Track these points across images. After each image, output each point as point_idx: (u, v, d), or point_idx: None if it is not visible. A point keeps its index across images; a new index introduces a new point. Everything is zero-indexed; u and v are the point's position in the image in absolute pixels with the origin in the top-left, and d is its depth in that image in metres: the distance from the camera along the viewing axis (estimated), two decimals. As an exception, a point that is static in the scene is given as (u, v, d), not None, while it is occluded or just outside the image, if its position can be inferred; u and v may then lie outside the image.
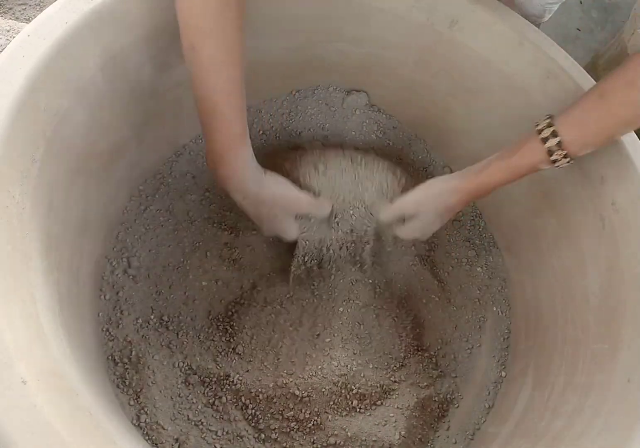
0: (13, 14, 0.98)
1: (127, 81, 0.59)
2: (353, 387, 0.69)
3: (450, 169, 0.85)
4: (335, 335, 0.72)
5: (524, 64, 0.65)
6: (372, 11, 0.68)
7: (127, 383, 0.62)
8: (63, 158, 0.52)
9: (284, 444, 0.65)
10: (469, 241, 0.82)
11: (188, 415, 0.63)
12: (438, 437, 0.70)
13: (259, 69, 0.72)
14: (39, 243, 0.46)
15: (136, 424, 0.60)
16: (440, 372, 0.74)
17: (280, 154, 0.77)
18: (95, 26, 0.52)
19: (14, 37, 0.76)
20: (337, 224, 0.70)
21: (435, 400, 0.71)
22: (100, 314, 0.64)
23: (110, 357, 0.63)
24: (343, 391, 0.69)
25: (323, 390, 0.68)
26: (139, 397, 0.62)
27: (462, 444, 0.69)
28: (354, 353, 0.71)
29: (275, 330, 0.71)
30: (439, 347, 0.75)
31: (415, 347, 0.75)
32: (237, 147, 0.59)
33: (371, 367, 0.71)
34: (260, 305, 0.72)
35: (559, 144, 0.55)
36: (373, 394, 0.69)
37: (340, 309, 0.74)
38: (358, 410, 0.68)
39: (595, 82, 0.61)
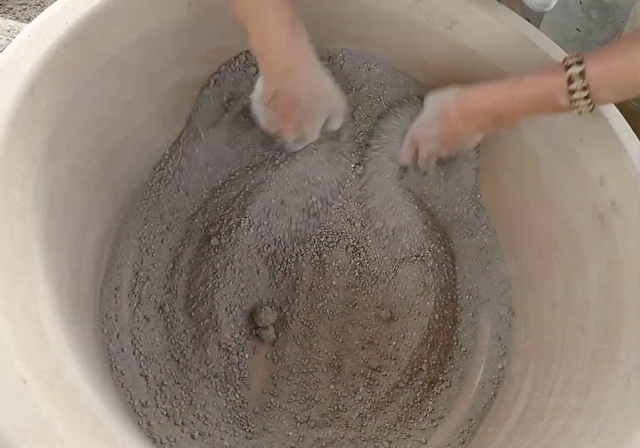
0: (13, 14, 0.98)
1: (127, 81, 0.59)
2: None
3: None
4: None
5: (524, 64, 0.65)
6: (371, 11, 0.68)
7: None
8: (63, 158, 0.52)
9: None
10: (469, 241, 0.82)
11: (190, 413, 0.64)
12: (439, 435, 0.70)
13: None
14: (40, 244, 0.46)
15: (137, 423, 0.60)
16: (441, 368, 0.74)
17: None
18: (95, 26, 0.53)
19: (14, 37, 0.76)
20: None
21: (435, 399, 0.72)
22: (100, 314, 0.64)
23: (111, 356, 0.63)
24: None
25: None
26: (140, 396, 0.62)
27: (462, 443, 0.69)
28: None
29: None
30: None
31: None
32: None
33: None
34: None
35: (581, 73, 0.51)
36: None
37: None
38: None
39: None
